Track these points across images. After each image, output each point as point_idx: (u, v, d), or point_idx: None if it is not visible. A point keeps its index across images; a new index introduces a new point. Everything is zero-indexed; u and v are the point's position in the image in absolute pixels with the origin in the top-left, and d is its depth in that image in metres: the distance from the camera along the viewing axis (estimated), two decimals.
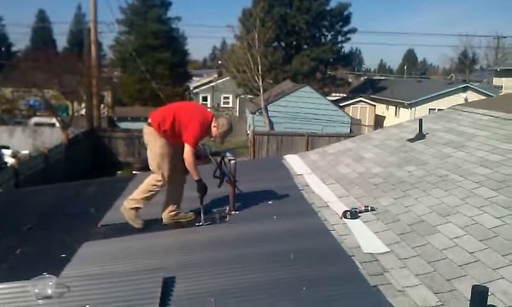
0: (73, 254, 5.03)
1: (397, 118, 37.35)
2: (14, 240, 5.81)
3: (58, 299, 3.69)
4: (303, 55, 41.43)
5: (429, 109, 32.74)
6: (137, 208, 5.60)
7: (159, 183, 5.53)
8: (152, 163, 5.55)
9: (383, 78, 66.02)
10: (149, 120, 5.57)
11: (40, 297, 3.70)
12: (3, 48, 60.64)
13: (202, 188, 5.51)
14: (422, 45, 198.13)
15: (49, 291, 3.73)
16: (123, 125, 30.73)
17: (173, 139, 5.46)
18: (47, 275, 3.90)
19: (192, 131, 5.36)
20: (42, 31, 68.64)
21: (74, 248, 5.19)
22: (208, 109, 5.80)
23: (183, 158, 5.40)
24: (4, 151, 23.24)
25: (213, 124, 5.51)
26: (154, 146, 5.52)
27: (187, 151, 5.35)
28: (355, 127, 32.51)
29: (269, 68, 37.03)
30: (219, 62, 60.46)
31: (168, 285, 3.82)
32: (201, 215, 5.64)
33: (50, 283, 3.79)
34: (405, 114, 37.01)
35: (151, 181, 5.56)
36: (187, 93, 47.40)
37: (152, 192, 5.58)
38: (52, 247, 5.40)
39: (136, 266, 4.47)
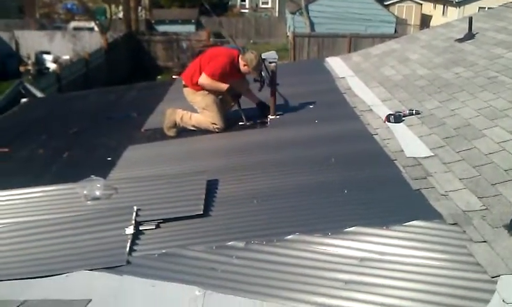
0: (119, 157, 5.17)
1: (445, 17, 35.59)
2: (61, 144, 6.00)
3: (106, 200, 3.83)
4: None
5: (479, 8, 30.97)
6: (179, 124, 5.66)
7: (216, 127, 5.56)
8: (206, 117, 5.58)
9: None
10: (183, 82, 5.65)
11: (89, 198, 3.86)
12: None
13: (232, 92, 5.61)
14: None
15: (97, 193, 3.88)
16: (161, 28, 30.38)
17: None
18: (95, 177, 4.04)
19: (213, 64, 5.40)
20: None
21: (119, 151, 5.33)
22: (234, 48, 5.72)
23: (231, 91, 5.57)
24: (46, 56, 23.56)
25: (242, 63, 5.45)
26: (196, 102, 5.59)
27: (202, 77, 5.40)
28: (400, 27, 31.14)
29: None
30: None
31: (211, 187, 3.90)
32: (242, 116, 5.72)
33: (98, 185, 3.92)
34: (453, 13, 35.18)
35: (211, 121, 5.56)
36: None
37: (205, 129, 5.62)
38: (97, 151, 5.56)
39: (180, 169, 4.56)
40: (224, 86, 5.47)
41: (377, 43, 10.41)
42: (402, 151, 4.35)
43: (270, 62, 5.72)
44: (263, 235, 3.18)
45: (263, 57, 5.71)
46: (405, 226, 3.07)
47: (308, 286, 2.71)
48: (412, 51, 7.61)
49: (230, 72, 5.48)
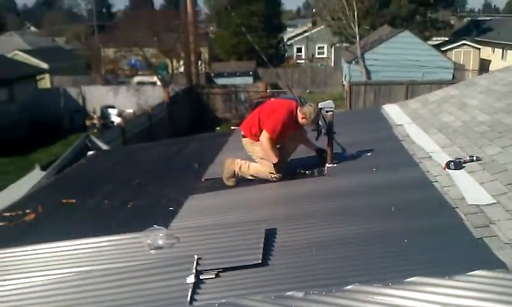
0: (180, 206, 5.33)
1: (504, 61, 34.84)
2: (125, 195, 6.26)
3: (169, 249, 3.95)
4: None
5: None
6: (237, 174, 5.80)
7: (274, 176, 5.66)
8: (264, 166, 5.70)
9: (488, 18, 61.30)
10: (242, 132, 5.83)
11: (152, 247, 3.99)
12: (104, 10, 63.42)
13: (279, 168, 5.64)
14: None
15: (160, 242, 4.01)
16: (220, 80, 31.36)
17: None
18: (158, 226, 4.19)
19: (273, 119, 5.49)
20: None
21: (180, 201, 5.50)
22: (291, 100, 5.83)
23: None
24: (111, 110, 24.65)
25: (300, 116, 5.54)
26: (255, 151, 5.73)
27: (263, 136, 5.51)
28: (458, 73, 30.71)
29: (365, 14, 35.62)
30: (314, 10, 59.18)
31: (270, 236, 3.95)
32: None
33: (161, 234, 4.06)
34: None
35: (269, 170, 5.66)
36: (281, 44, 47.02)
37: (264, 178, 5.73)
38: (160, 201, 5.76)
39: (239, 218, 4.65)
40: (274, 159, 5.56)
41: (435, 89, 10.31)
42: (464, 198, 4.27)
43: (327, 112, 5.80)
44: (322, 285, 3.18)
45: (320, 106, 5.80)
46: (468, 276, 2.99)
47: None
48: (471, 97, 7.51)
49: (289, 125, 5.58)
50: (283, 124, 5.50)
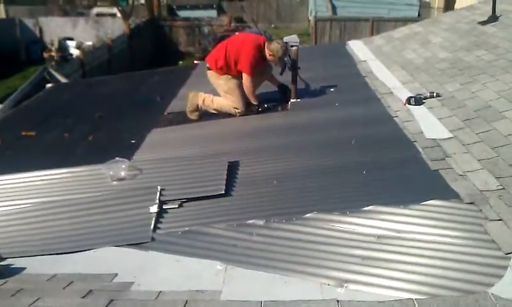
0: (143, 140, 5.30)
1: None
2: (86, 128, 6.16)
3: (131, 181, 3.96)
4: None
5: None
6: (201, 107, 5.76)
7: (238, 111, 5.65)
8: (228, 100, 5.68)
9: None
10: (207, 65, 5.74)
11: (114, 179, 3.99)
12: None
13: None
14: None
15: (122, 174, 4.00)
16: (183, 13, 30.41)
17: (234, 72, 5.57)
18: (120, 159, 4.16)
19: (246, 59, 5.44)
20: None
21: (143, 134, 5.46)
22: (258, 34, 5.76)
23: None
24: (69, 42, 23.78)
25: (268, 52, 5.49)
26: (219, 85, 5.68)
27: (245, 79, 5.51)
28: (424, 10, 30.68)
29: None
30: None
31: (232, 168, 4.00)
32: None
33: (123, 166, 4.05)
34: None
35: (233, 104, 5.66)
36: None
37: (227, 112, 5.72)
38: (122, 134, 5.69)
39: (203, 151, 4.68)
40: (255, 101, 5.68)
41: (400, 26, 10.32)
42: (422, 132, 4.38)
43: (291, 46, 5.77)
44: (282, 214, 3.27)
45: (284, 40, 5.75)
46: (422, 204, 3.12)
47: (326, 261, 2.79)
48: (434, 34, 7.57)
49: (258, 60, 5.56)
50: (255, 60, 5.49)
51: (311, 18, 27.27)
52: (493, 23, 6.98)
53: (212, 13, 30.56)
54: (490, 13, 7.24)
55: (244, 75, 5.51)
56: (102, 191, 3.83)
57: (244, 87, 5.57)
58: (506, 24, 6.75)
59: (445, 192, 3.27)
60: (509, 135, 3.89)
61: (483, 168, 3.55)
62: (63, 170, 4.20)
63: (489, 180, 3.37)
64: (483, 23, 7.15)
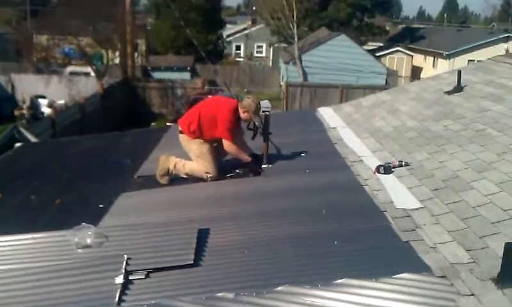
0: (111, 204, 5.19)
1: (435, 69, 36.35)
2: (54, 190, 6.01)
3: (97, 248, 3.83)
4: (339, 1, 40.34)
5: (468, 60, 31.61)
6: (172, 172, 5.72)
7: (210, 176, 5.63)
8: (199, 165, 5.66)
9: (421, 26, 63.70)
10: (179, 128, 5.74)
11: (80, 246, 3.86)
12: None
13: (257, 166, 5.76)
14: None
15: (88, 241, 3.88)
16: (157, 74, 30.73)
17: (207, 136, 5.58)
18: (86, 224, 4.05)
19: (223, 125, 5.46)
20: None
21: (112, 198, 5.35)
22: (230, 98, 5.83)
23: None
24: (41, 100, 23.62)
25: (241, 110, 5.55)
26: (191, 149, 5.67)
27: (226, 144, 5.51)
28: (391, 79, 31.74)
29: (305, 15, 36.10)
30: (254, 8, 59.27)
31: (202, 236, 3.92)
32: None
33: (89, 233, 3.93)
34: (443, 65, 35.97)
35: (204, 169, 5.63)
36: (220, 41, 46.83)
37: (199, 177, 5.69)
38: (90, 198, 5.57)
39: (172, 217, 4.59)
40: (247, 158, 5.66)
41: (368, 94, 10.61)
42: (392, 202, 4.40)
43: (263, 111, 5.82)
44: (253, 286, 3.19)
45: None
46: (394, 278, 3.09)
47: None
48: (402, 103, 7.77)
49: (235, 124, 5.59)
50: (233, 124, 5.52)
51: (282, 83, 27.91)
52: (458, 94, 7.21)
53: (186, 75, 31.00)
54: (456, 83, 7.49)
55: (225, 142, 5.50)
56: (67, 259, 3.70)
57: (229, 153, 5.60)
58: (471, 94, 6.98)
59: (417, 265, 3.26)
60: (478, 206, 3.94)
61: (453, 240, 3.56)
62: (27, 236, 4.04)
63: (460, 253, 3.38)
64: (449, 93, 7.39)
